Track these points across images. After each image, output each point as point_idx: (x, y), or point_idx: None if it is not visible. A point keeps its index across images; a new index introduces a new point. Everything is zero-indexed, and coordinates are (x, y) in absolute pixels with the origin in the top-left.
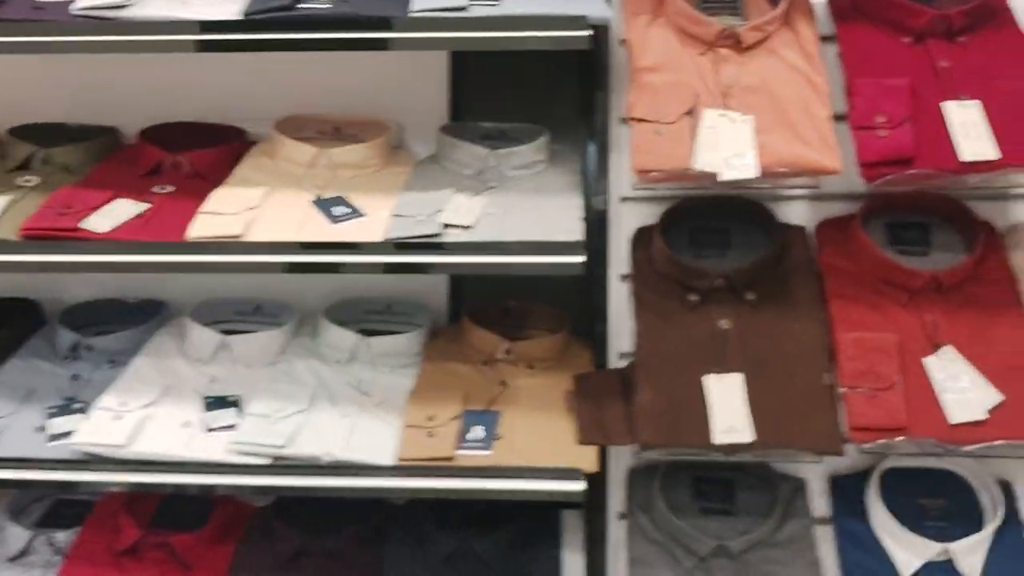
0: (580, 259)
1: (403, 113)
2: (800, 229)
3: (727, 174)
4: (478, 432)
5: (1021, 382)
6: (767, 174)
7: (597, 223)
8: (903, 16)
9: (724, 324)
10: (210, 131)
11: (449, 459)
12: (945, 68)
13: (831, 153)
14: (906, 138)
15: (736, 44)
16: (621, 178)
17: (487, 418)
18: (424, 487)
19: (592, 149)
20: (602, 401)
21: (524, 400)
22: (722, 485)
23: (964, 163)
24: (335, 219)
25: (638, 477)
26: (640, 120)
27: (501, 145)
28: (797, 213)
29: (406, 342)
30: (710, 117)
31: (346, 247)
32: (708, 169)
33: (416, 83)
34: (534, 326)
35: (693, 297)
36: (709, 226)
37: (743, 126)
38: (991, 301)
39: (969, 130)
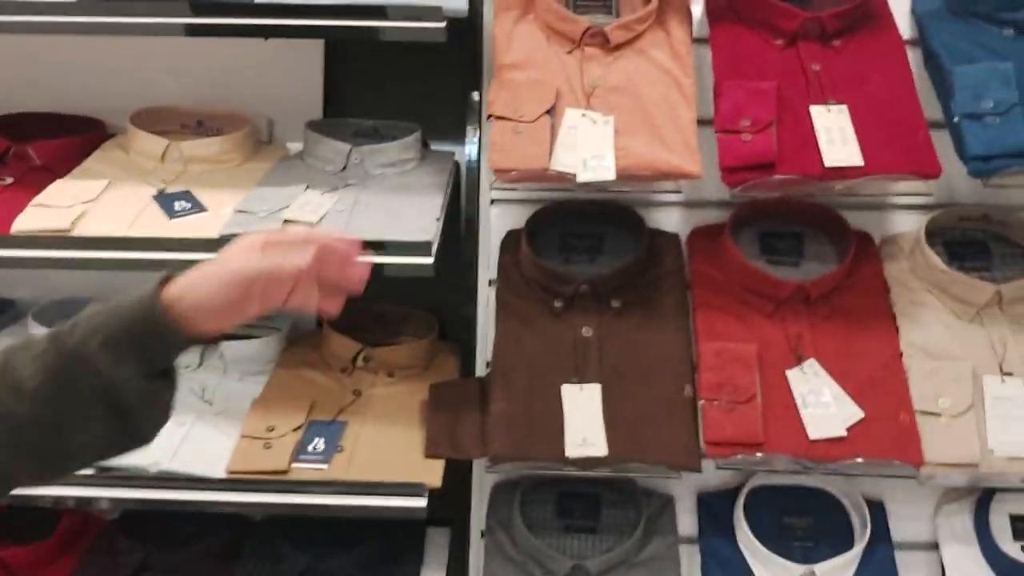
0: (428, 260)
1: (275, 107)
2: (673, 236)
3: (583, 175)
4: (319, 444)
5: (885, 397)
6: (626, 177)
7: (467, 226)
8: (775, 18)
9: (587, 332)
10: (69, 122)
11: (283, 472)
12: (816, 72)
13: (692, 157)
14: (768, 143)
15: (604, 43)
16: (492, 179)
17: (331, 429)
18: (256, 502)
19: (463, 149)
20: (457, 412)
21: (377, 410)
22: (587, 501)
23: (828, 169)
24: (174, 214)
25: (501, 493)
26: (500, 118)
27: (368, 142)
28: (673, 219)
29: (259, 348)
30: (571, 117)
31: (178, 243)
32: (565, 170)
33: (289, 76)
34: (403, 331)
35: (558, 303)
36: (580, 231)
37: (604, 127)
38: (861, 312)
39: (835, 135)
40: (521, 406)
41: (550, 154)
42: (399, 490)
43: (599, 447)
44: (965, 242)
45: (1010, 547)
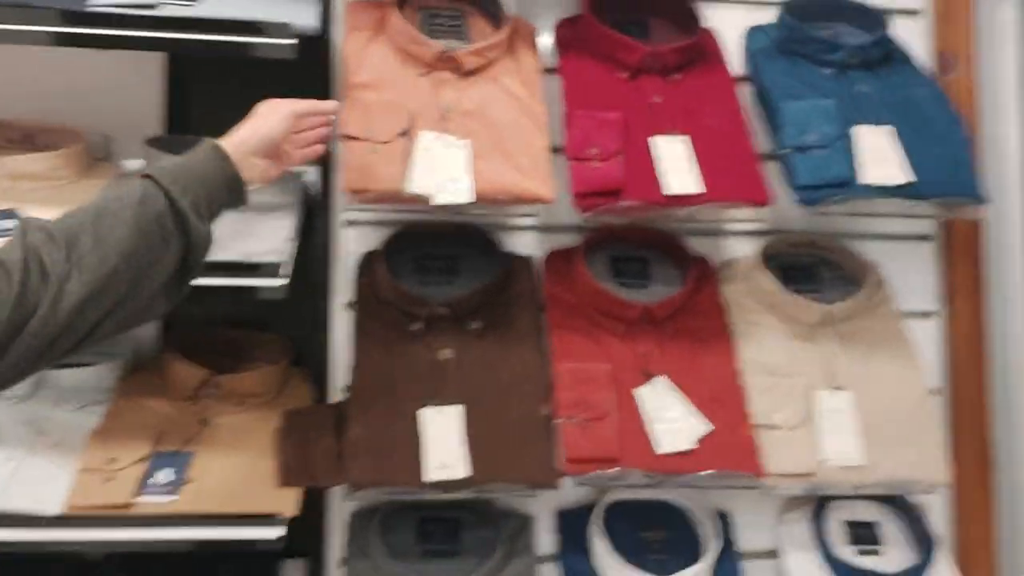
0: (280, 282)
1: (112, 123)
2: (528, 259)
3: (439, 198)
4: (165, 476)
5: (726, 412)
6: (483, 201)
7: (321, 248)
8: (619, 52)
9: (446, 354)
10: None
11: (126, 507)
12: (658, 104)
13: (545, 183)
14: (616, 170)
15: (456, 68)
16: (346, 201)
17: (178, 460)
18: (97, 539)
19: (314, 170)
20: (311, 439)
21: (226, 440)
22: (446, 525)
23: (670, 196)
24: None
25: (359, 520)
26: (353, 138)
27: None
28: (528, 243)
29: (96, 375)
30: (426, 139)
31: None
32: (421, 192)
33: (128, 90)
34: (256, 357)
35: (416, 326)
36: (436, 253)
37: (459, 151)
38: (702, 333)
39: (676, 164)
40: (379, 431)
41: (405, 176)
42: (253, 521)
43: (459, 469)
44: (796, 266)
45: (844, 551)
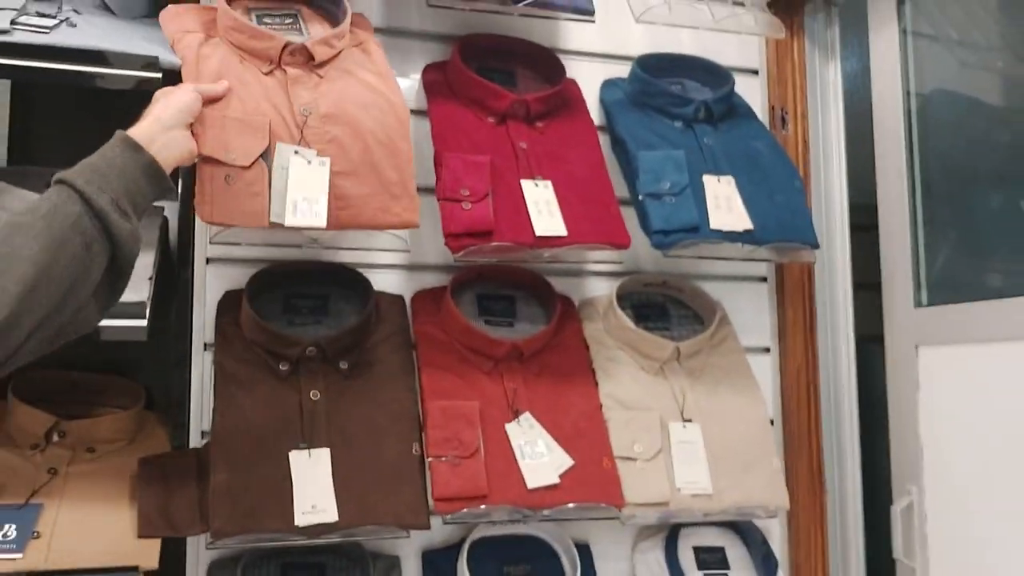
0: (142, 323)
1: None
2: (398, 298)
3: (291, 219)
4: (9, 531)
5: (587, 446)
6: (338, 227)
7: (181, 286)
8: (488, 98)
9: (314, 395)
10: None
11: None
12: (524, 149)
13: (411, 204)
14: (486, 212)
15: (307, 61)
16: (206, 238)
17: (24, 514)
18: None
19: (174, 205)
20: (171, 487)
21: (78, 490)
22: (312, 571)
23: (538, 238)
24: None
25: (219, 570)
26: (208, 159)
27: None
28: (396, 282)
29: None
30: (283, 154)
31: None
32: (275, 220)
33: None
34: (105, 402)
35: (283, 367)
36: (304, 292)
37: (319, 168)
38: (566, 369)
39: (542, 208)
40: (243, 476)
41: (269, 208)
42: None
43: (329, 513)
44: (649, 304)
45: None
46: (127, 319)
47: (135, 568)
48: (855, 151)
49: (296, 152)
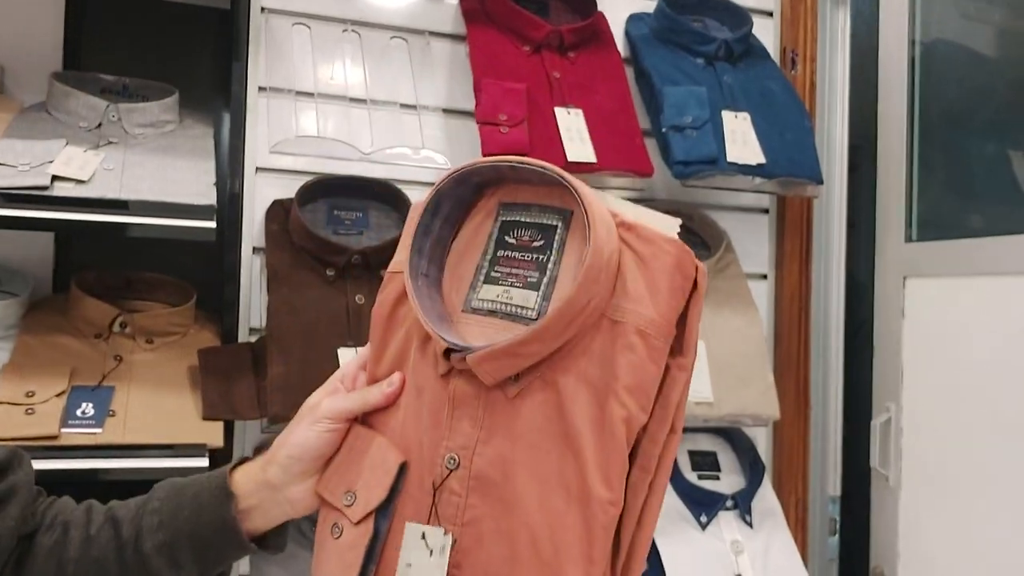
0: (211, 225)
1: (5, 53)
2: None
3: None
4: (88, 409)
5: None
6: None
7: (231, 192)
8: (525, 27)
9: (359, 299)
10: None
11: (54, 437)
12: (557, 79)
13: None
14: (522, 136)
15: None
16: (257, 149)
17: (99, 395)
18: None
19: (228, 117)
20: (230, 376)
21: (142, 376)
22: None
23: (570, 163)
24: None
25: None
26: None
27: (121, 100)
28: None
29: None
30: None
31: None
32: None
33: (24, 22)
34: (157, 299)
35: (330, 272)
36: (346, 205)
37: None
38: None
39: (574, 135)
40: (297, 369)
41: None
42: (181, 451)
43: None
44: None
45: (690, 475)
46: (199, 220)
47: (203, 445)
48: (856, 93)
49: (423, 536)
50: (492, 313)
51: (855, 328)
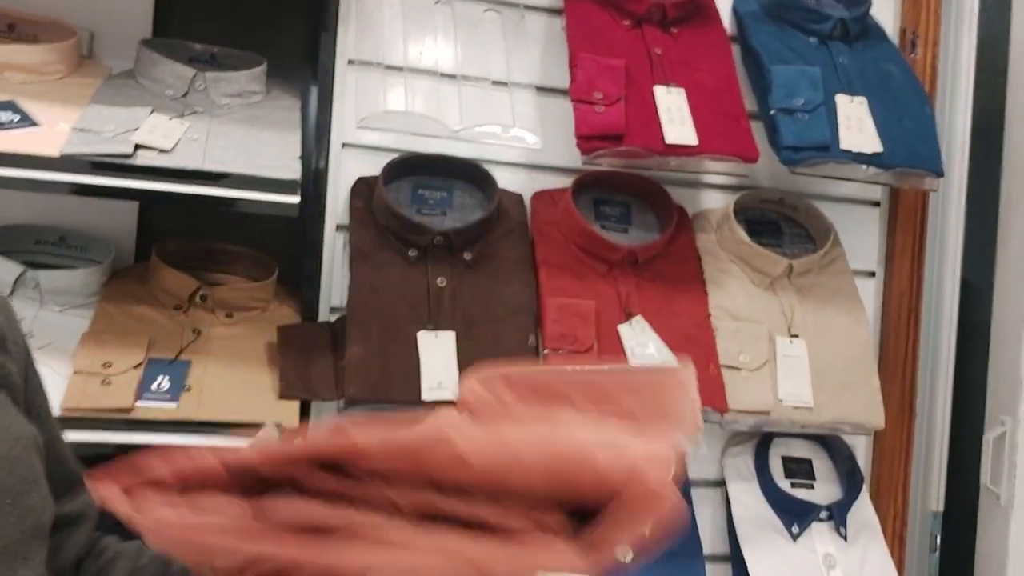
0: (295, 199)
1: (95, 19)
2: (518, 196)
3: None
4: (163, 383)
5: (697, 351)
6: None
7: (315, 167)
8: (625, 1)
9: (441, 282)
10: None
11: (128, 410)
12: (658, 55)
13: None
14: (618, 116)
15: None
16: (344, 124)
17: (175, 368)
18: (97, 440)
19: (315, 90)
20: (308, 354)
21: (220, 351)
22: None
23: (668, 145)
24: (0, 126)
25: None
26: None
27: (209, 68)
28: (516, 181)
29: (82, 278)
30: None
31: (13, 159)
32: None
33: None
34: (238, 272)
35: (412, 253)
36: (432, 184)
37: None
38: (678, 277)
39: (674, 115)
40: (376, 350)
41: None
42: (253, 429)
43: (453, 391)
44: (762, 221)
45: (782, 483)
46: (282, 194)
47: (278, 424)
48: (982, 82)
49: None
50: None
51: (968, 333)
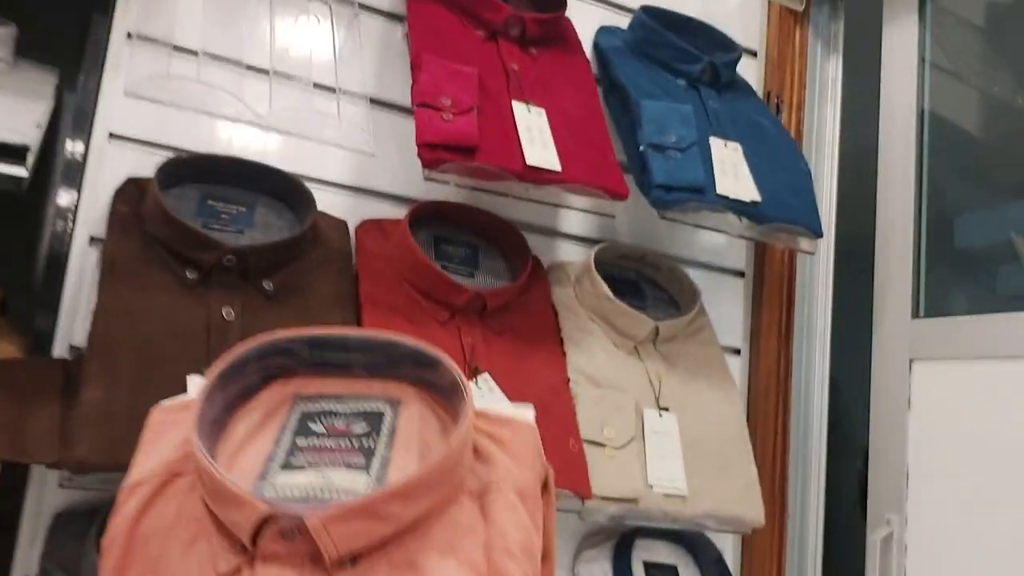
0: (22, 172)
1: None
2: (340, 222)
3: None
4: None
5: (552, 423)
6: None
7: (67, 159)
8: (480, 7)
9: (228, 314)
10: None
11: None
12: (515, 70)
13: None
14: (470, 126)
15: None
16: (113, 109)
17: None
18: None
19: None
20: (27, 400)
21: None
22: None
23: (529, 167)
24: None
25: (65, 525)
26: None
27: None
28: (339, 204)
29: None
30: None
31: None
32: None
33: None
34: None
35: (192, 274)
36: (227, 195)
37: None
38: (531, 333)
39: (535, 135)
40: (124, 397)
41: None
42: None
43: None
44: (622, 280)
45: None
46: (6, 164)
47: None
48: (847, 152)
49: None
50: (304, 500)
51: (832, 421)
